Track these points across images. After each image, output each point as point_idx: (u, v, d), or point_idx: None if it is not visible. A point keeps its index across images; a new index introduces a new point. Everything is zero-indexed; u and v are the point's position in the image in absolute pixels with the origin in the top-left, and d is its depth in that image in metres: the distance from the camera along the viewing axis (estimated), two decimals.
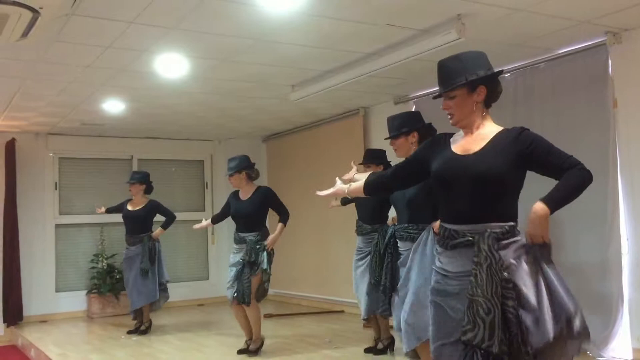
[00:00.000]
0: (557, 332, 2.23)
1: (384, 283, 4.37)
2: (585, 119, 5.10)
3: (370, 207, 5.14)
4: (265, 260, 5.33)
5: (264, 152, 9.81)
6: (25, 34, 4.28)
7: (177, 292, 8.44)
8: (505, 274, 2.25)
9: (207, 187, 9.71)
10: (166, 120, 8.00)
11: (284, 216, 5.50)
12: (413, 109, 6.77)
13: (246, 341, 5.56)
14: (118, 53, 5.00)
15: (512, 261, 2.30)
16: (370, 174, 2.98)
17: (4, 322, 7.85)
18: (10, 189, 8.04)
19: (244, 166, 5.51)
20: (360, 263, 5.14)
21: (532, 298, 2.25)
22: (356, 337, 5.85)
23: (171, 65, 5.33)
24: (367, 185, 2.84)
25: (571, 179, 2.30)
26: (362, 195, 2.89)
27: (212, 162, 9.73)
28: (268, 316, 7.29)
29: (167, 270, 7.07)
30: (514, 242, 2.34)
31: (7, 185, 8.02)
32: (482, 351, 2.22)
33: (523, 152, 2.36)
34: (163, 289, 6.90)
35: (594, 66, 5.04)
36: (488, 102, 2.55)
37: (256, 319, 5.45)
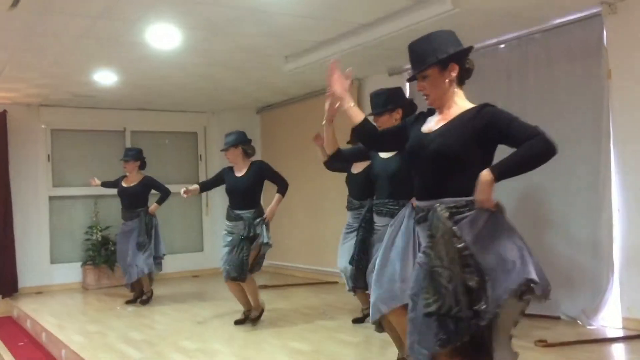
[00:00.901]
0: (511, 292, 2.29)
1: (354, 256, 4.31)
2: (579, 89, 5.09)
3: (359, 183, 5.13)
4: (265, 234, 5.35)
5: (257, 124, 9.78)
6: (15, 3, 4.23)
7: (172, 263, 8.49)
8: (460, 244, 2.30)
9: (200, 159, 9.70)
10: (159, 92, 7.95)
11: (281, 186, 5.45)
12: (407, 81, 6.74)
13: (244, 312, 5.60)
14: (109, 24, 4.95)
15: (468, 231, 2.34)
16: None
17: None
18: (2, 162, 8.01)
19: (241, 141, 5.46)
20: (348, 237, 5.14)
21: (487, 262, 2.31)
22: (349, 308, 5.91)
23: (163, 36, 5.28)
24: (362, 123, 2.77)
25: (526, 149, 2.30)
26: (353, 121, 2.77)
27: (206, 134, 9.70)
28: (262, 287, 7.35)
29: (163, 242, 7.09)
30: (469, 215, 2.37)
31: (0, 158, 7.99)
32: (452, 318, 2.28)
33: (483, 127, 2.40)
34: (158, 262, 6.95)
35: (589, 37, 5.02)
36: (461, 80, 2.57)
37: (253, 291, 5.48)
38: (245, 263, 5.23)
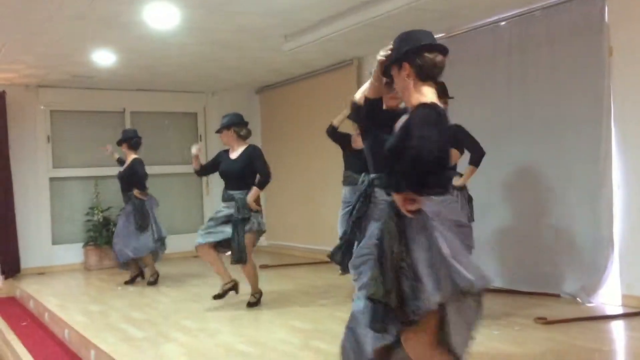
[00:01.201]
0: (445, 293, 2.33)
1: (346, 231, 4.26)
2: (581, 67, 5.06)
3: (363, 159, 5.09)
4: (261, 220, 5.40)
5: (257, 104, 9.74)
6: None
7: (172, 243, 8.49)
8: (398, 242, 2.39)
9: (200, 140, 9.68)
10: (158, 72, 7.91)
11: (262, 179, 5.38)
12: None
13: (222, 285, 5.56)
14: (106, 3, 4.90)
15: (410, 233, 2.42)
16: None
17: (2, 274, 7.93)
18: (2, 143, 8.01)
19: (232, 123, 5.45)
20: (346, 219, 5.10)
21: (425, 261, 2.37)
22: (349, 286, 5.93)
23: (161, 16, 5.23)
24: (377, 100, 2.94)
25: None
26: (371, 93, 2.96)
27: (205, 114, 9.67)
28: (263, 267, 7.39)
29: (163, 222, 7.10)
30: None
31: None
32: (383, 305, 2.38)
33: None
34: (162, 243, 6.99)
35: (590, 14, 4.98)
36: (423, 77, 2.53)
37: (253, 275, 5.50)
38: (243, 246, 5.25)
